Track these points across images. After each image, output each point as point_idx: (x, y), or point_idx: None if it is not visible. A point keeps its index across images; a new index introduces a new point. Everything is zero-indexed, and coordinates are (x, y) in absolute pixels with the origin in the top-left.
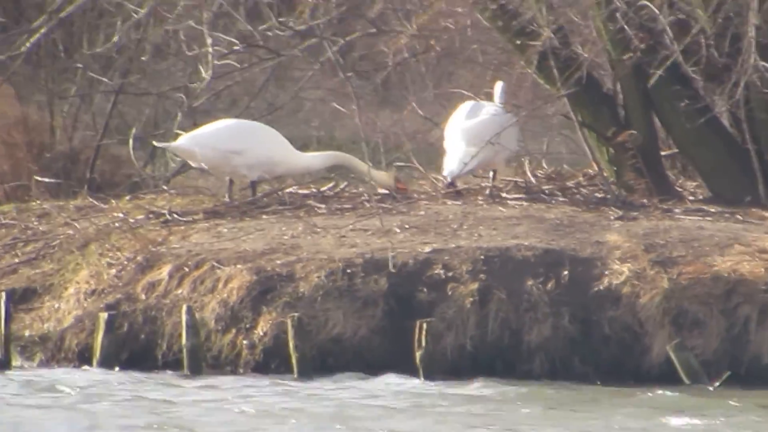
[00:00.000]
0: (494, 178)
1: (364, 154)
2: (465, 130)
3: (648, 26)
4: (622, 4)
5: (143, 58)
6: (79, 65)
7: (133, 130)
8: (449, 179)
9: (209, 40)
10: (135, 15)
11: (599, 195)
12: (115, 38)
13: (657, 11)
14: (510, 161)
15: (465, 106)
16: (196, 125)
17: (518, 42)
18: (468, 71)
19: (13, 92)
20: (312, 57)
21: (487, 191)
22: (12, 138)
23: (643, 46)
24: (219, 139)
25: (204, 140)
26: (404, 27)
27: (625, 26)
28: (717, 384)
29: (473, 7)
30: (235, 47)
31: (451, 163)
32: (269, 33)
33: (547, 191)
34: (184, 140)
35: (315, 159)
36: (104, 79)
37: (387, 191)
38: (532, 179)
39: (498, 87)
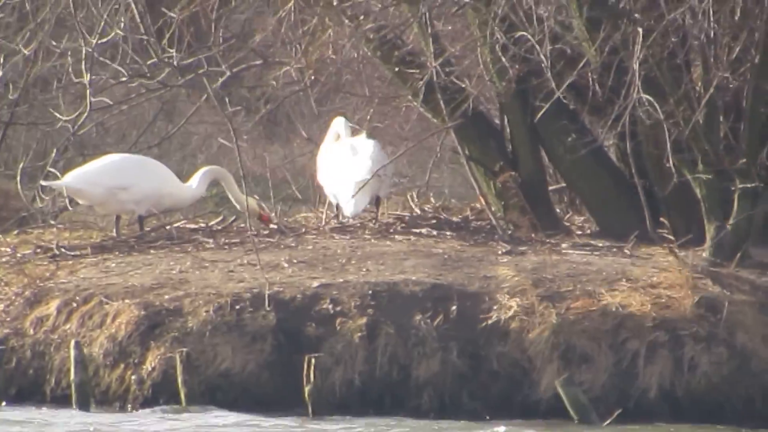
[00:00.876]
0: (378, 209)
1: (247, 190)
2: (356, 168)
3: (529, 58)
4: (502, 37)
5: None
6: None
7: (21, 164)
8: (351, 218)
9: (87, 75)
10: (21, 50)
11: (487, 229)
12: None
13: (535, 43)
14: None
15: (340, 145)
16: (84, 158)
17: (403, 73)
18: (357, 104)
19: None
20: (199, 90)
21: (375, 224)
22: None
23: (518, 78)
24: (105, 176)
25: (90, 177)
26: (290, 58)
27: (502, 57)
28: (606, 422)
29: (359, 39)
30: (122, 78)
31: (351, 204)
32: (154, 67)
33: (434, 225)
34: (70, 178)
35: (197, 184)
36: None
37: (251, 218)
38: (420, 213)
39: (340, 122)
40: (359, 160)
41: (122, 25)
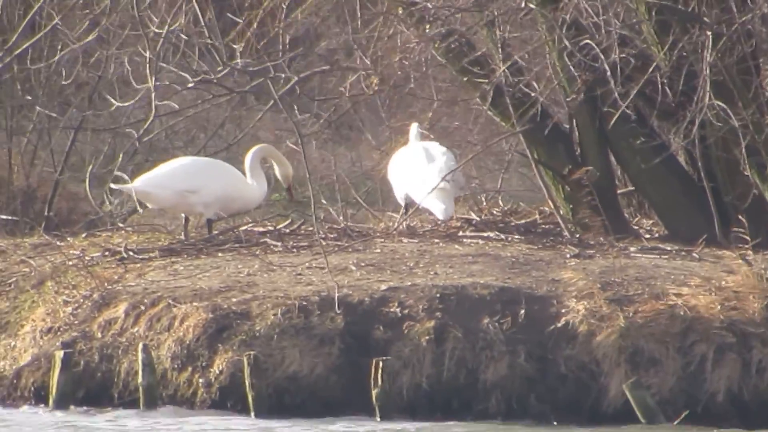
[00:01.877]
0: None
1: (315, 193)
2: (441, 170)
3: (595, 66)
4: (568, 44)
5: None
6: (37, 100)
7: (90, 168)
8: (444, 219)
9: (152, 80)
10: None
11: (555, 233)
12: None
13: (599, 52)
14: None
15: (413, 149)
16: (153, 162)
17: (472, 78)
18: (424, 107)
19: None
20: (267, 95)
21: (443, 227)
22: None
23: (586, 83)
24: (175, 179)
25: (160, 180)
26: (357, 63)
27: (570, 66)
28: (675, 423)
29: (427, 44)
30: (189, 84)
31: (440, 206)
32: (221, 72)
33: (502, 229)
34: (140, 182)
35: (256, 177)
36: (59, 118)
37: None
38: (488, 216)
39: (413, 129)
40: (434, 164)
41: (183, 25)
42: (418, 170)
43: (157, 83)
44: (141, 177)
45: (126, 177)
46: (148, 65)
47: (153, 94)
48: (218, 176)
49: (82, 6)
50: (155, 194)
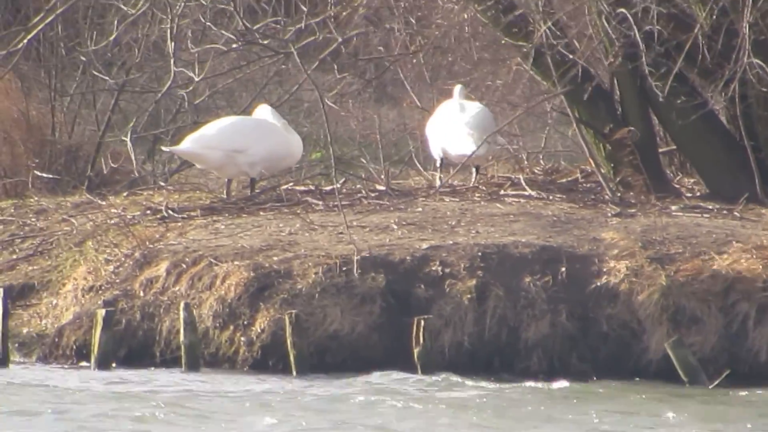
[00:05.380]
0: (477, 173)
1: (358, 153)
2: (472, 117)
3: (636, 25)
4: (605, 6)
5: (136, 60)
6: (82, 59)
7: (131, 126)
8: (469, 153)
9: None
10: (131, 11)
11: (596, 192)
12: (112, 36)
13: (639, 11)
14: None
15: (449, 106)
16: (196, 122)
17: (513, 37)
18: (466, 68)
19: (17, 87)
20: (310, 55)
21: (473, 185)
22: (12, 134)
23: (626, 43)
24: (223, 139)
25: (208, 141)
26: (400, 23)
27: (607, 26)
28: (716, 382)
29: (468, 2)
30: (233, 45)
31: (465, 142)
32: (267, 33)
33: (544, 188)
34: (189, 143)
35: (288, 129)
36: (106, 78)
37: None
38: (529, 176)
39: (457, 89)
40: (464, 114)
41: None
42: (451, 122)
43: (214, 44)
44: (188, 138)
45: (168, 139)
46: (169, 32)
47: (172, 61)
48: (265, 135)
49: None
50: (204, 155)
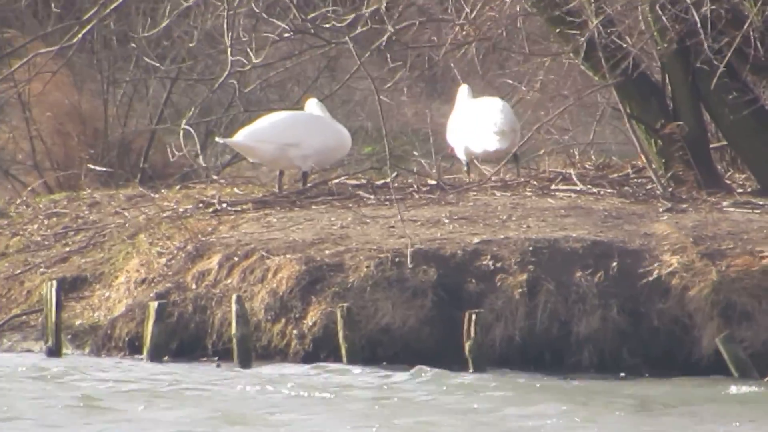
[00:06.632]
0: (518, 165)
1: (408, 147)
2: (499, 112)
3: (688, 18)
4: None
5: (191, 45)
6: (135, 49)
7: (189, 115)
8: (493, 149)
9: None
10: (184, 2)
11: (648, 187)
12: (164, 23)
13: (691, 5)
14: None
15: (463, 108)
16: (248, 115)
17: (564, 31)
18: (517, 61)
19: (69, 80)
20: (362, 47)
21: (524, 179)
22: (65, 127)
23: (679, 37)
24: (276, 133)
25: (261, 134)
26: (453, 16)
27: (663, 17)
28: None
29: None
30: (286, 34)
31: (489, 138)
32: (320, 24)
33: (595, 183)
34: (242, 136)
35: (335, 123)
36: (159, 66)
37: None
38: (580, 170)
39: (463, 90)
40: (489, 112)
41: None
42: (470, 121)
43: (266, 34)
44: (242, 131)
45: (220, 131)
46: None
47: (230, 50)
48: (318, 129)
49: None
50: (257, 148)
